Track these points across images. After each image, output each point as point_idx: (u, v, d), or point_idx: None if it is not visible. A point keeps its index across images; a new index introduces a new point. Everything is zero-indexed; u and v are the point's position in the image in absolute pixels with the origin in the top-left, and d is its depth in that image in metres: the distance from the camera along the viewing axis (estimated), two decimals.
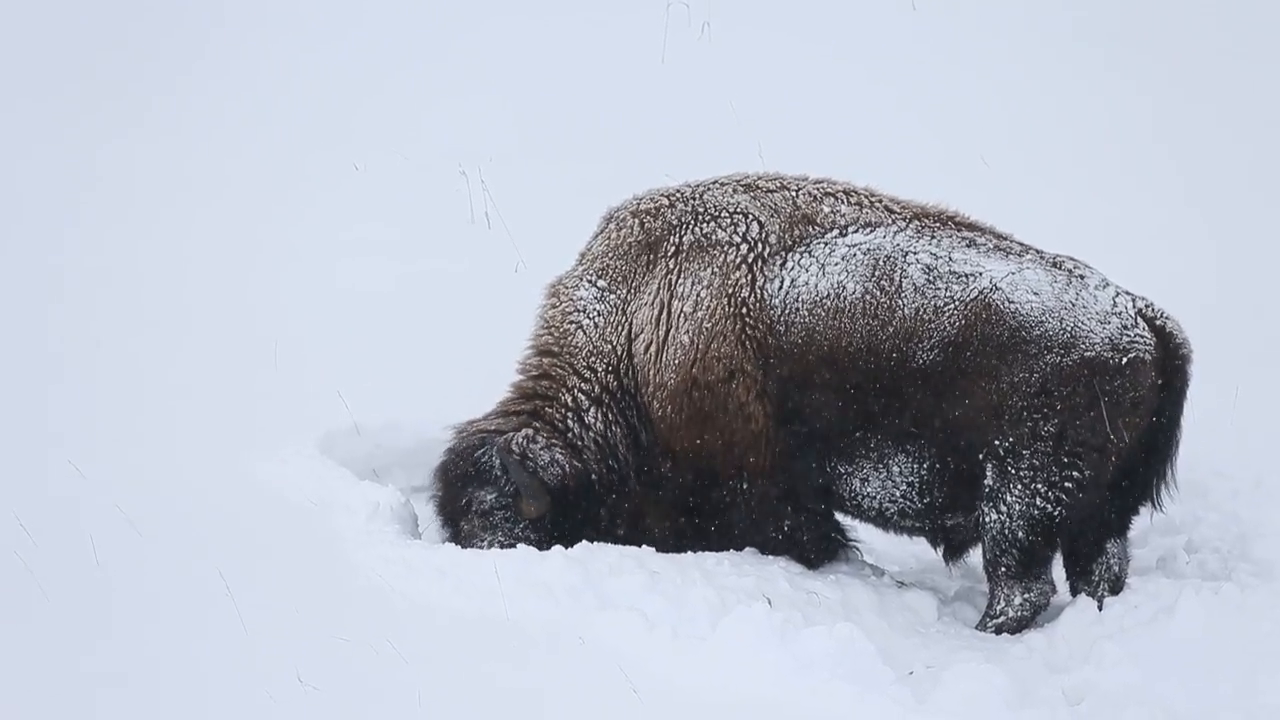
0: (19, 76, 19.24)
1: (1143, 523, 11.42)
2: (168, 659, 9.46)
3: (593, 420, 11.48)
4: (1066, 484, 10.72)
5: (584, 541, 11.15)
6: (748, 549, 11.48)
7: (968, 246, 11.09)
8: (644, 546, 11.24)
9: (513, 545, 11.30)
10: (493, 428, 11.55)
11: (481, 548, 11.38)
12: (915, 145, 18.47)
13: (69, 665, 9.35)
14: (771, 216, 11.36)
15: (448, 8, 21.06)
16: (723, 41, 20.57)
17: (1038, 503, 10.73)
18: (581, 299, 11.55)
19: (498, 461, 11.40)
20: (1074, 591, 11.18)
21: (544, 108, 19.37)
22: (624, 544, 11.25)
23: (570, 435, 11.47)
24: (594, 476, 11.47)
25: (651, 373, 11.33)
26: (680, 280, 11.30)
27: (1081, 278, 10.94)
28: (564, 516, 11.45)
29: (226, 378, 13.48)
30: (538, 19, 20.84)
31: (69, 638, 9.60)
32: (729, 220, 11.35)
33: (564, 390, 11.51)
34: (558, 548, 10.96)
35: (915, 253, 11.05)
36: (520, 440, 11.42)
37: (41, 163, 17.60)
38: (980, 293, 10.87)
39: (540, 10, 20.99)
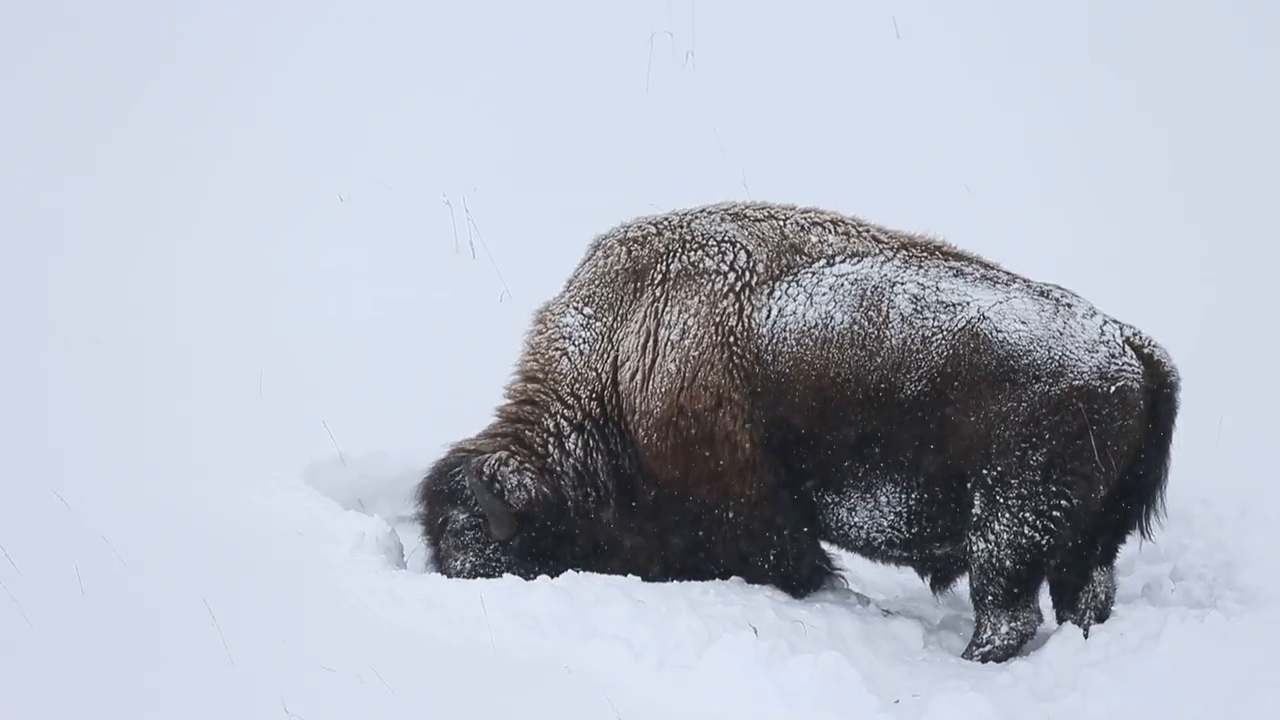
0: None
1: (1128, 550, 11.44)
2: (153, 689, 9.44)
3: (573, 446, 11.47)
4: (1054, 513, 10.72)
5: (569, 571, 11.16)
6: (733, 578, 11.47)
7: (955, 276, 11.10)
8: (629, 576, 11.23)
9: (484, 565, 11.37)
10: (473, 448, 11.57)
11: (455, 567, 11.42)
12: (900, 173, 18.50)
13: (54, 695, 9.31)
14: (759, 245, 11.37)
15: (431, 38, 21.09)
16: (706, 71, 20.60)
17: (1025, 531, 10.73)
18: (567, 326, 11.56)
19: (468, 482, 11.41)
20: (1060, 620, 11.18)
21: (528, 137, 19.38)
22: (608, 573, 11.25)
23: (549, 460, 11.47)
24: (569, 503, 11.47)
25: (638, 400, 11.33)
26: (667, 308, 11.31)
27: (1069, 306, 10.96)
28: (536, 541, 11.45)
29: (212, 407, 13.46)
30: (521, 48, 20.86)
31: (54, 668, 9.56)
32: (716, 249, 11.36)
33: (546, 415, 11.51)
34: (543, 578, 10.97)
35: (902, 283, 11.07)
36: (493, 463, 11.43)
37: (25, 193, 17.60)
38: (968, 322, 10.88)
39: (524, 39, 21.02)
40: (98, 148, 18.67)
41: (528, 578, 11.14)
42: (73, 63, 20.09)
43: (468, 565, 11.44)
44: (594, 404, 11.46)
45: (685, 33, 20.75)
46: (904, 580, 12.21)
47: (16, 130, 18.89)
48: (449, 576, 11.38)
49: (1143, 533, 11.12)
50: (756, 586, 11.39)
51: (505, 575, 11.15)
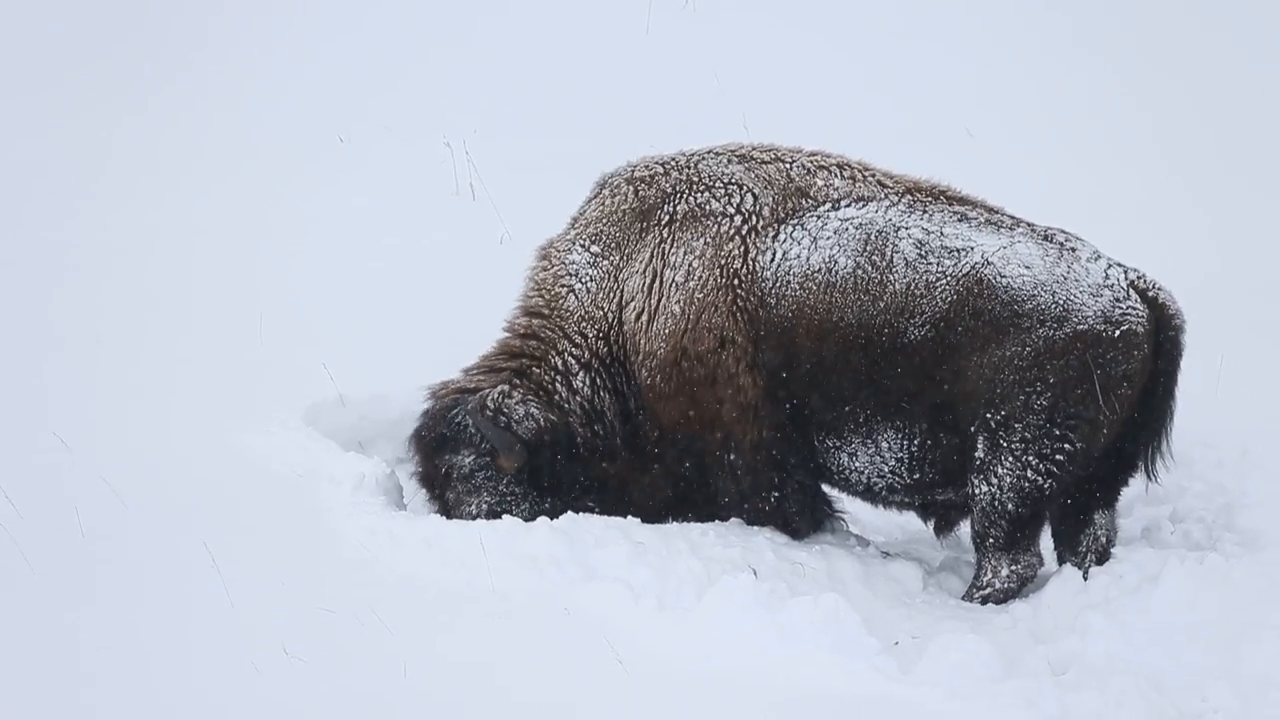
0: (22, 63, 19.24)
1: (1129, 493, 11.42)
2: (153, 630, 9.45)
3: (581, 385, 11.45)
4: (1058, 456, 10.71)
5: (569, 513, 11.16)
6: (733, 520, 11.47)
7: (959, 221, 11.06)
8: (629, 517, 11.24)
9: (500, 504, 11.34)
10: (472, 386, 11.54)
11: (470, 513, 11.38)
12: (901, 117, 18.46)
13: (54, 636, 9.32)
14: (765, 188, 11.33)
15: None
16: (706, 13, 20.54)
17: (1028, 475, 10.71)
18: (574, 263, 11.52)
19: (470, 422, 11.36)
20: (1061, 562, 11.18)
21: (528, 79, 19.33)
22: (609, 514, 11.25)
23: (557, 398, 11.44)
24: (579, 440, 11.44)
25: (642, 341, 11.30)
26: (673, 249, 11.27)
27: (1073, 250, 10.92)
28: (547, 469, 11.42)
29: (212, 350, 13.44)
30: None
31: (54, 609, 9.57)
32: (723, 191, 11.32)
33: (553, 352, 11.48)
34: (543, 519, 10.96)
35: (907, 227, 11.02)
36: (495, 396, 11.38)
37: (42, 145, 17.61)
38: (972, 267, 10.84)
39: None
40: (97, 89, 18.63)
41: (541, 508, 11.14)
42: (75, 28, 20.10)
43: (484, 506, 11.39)
44: (600, 343, 11.43)
45: None
46: (903, 522, 12.22)
47: (21, 80, 18.89)
48: None
49: (1149, 475, 11.11)
50: (756, 528, 11.38)
51: (508, 515, 11.16)
